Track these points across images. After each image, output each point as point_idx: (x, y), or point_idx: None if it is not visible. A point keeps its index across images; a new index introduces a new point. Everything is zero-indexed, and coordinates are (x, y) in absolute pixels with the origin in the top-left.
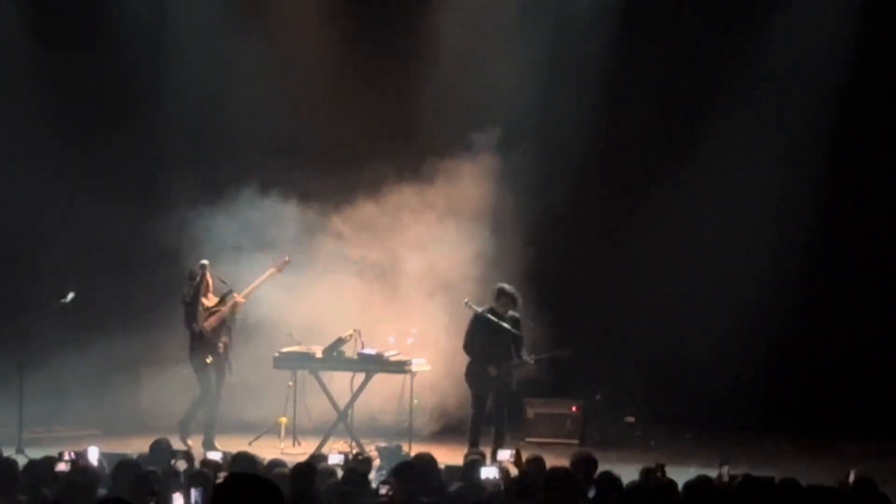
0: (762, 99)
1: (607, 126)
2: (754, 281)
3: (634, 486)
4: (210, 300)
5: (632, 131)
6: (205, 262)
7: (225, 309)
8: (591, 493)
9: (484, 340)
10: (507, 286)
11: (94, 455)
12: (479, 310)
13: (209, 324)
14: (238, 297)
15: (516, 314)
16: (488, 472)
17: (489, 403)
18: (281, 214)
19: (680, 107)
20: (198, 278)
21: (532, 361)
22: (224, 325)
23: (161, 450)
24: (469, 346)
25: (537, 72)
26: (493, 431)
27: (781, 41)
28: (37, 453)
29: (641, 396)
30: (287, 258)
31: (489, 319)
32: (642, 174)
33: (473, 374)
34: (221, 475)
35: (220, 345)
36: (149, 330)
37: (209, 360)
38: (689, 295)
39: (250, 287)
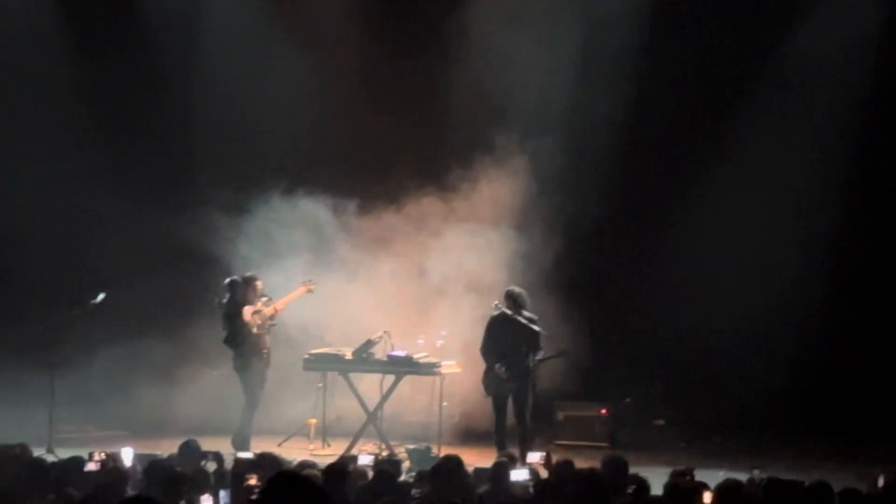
0: (792, 94)
1: (636, 124)
2: (784, 282)
3: (668, 487)
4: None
5: (661, 129)
6: (253, 274)
7: (266, 311)
8: (631, 490)
9: (498, 342)
10: (512, 288)
11: (128, 456)
12: (500, 311)
13: (254, 320)
14: (277, 304)
15: (531, 315)
16: (518, 475)
17: (509, 406)
18: (311, 217)
19: (709, 104)
20: (239, 281)
21: (536, 362)
22: (266, 327)
23: (190, 451)
24: (484, 349)
25: (566, 71)
26: (518, 434)
27: (811, 37)
28: (66, 453)
29: (671, 399)
30: (313, 281)
31: (506, 320)
32: (671, 173)
33: (488, 378)
34: (251, 477)
35: (265, 349)
36: (180, 331)
37: (265, 350)
38: (719, 297)
39: (284, 300)
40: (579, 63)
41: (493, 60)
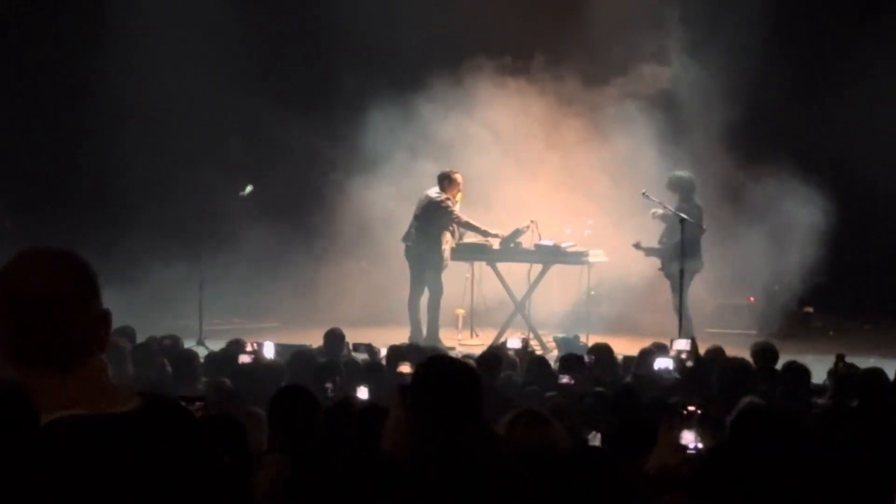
0: None
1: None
2: None
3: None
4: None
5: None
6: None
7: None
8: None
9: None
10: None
11: (269, 350)
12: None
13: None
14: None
15: (698, 203)
16: (662, 363)
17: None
18: (458, 106)
19: None
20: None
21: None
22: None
23: (336, 340)
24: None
25: None
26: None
27: None
28: (216, 345)
29: (820, 286)
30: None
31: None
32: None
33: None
34: (403, 364)
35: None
36: (325, 224)
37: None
38: (872, 179)
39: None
40: None
41: None
